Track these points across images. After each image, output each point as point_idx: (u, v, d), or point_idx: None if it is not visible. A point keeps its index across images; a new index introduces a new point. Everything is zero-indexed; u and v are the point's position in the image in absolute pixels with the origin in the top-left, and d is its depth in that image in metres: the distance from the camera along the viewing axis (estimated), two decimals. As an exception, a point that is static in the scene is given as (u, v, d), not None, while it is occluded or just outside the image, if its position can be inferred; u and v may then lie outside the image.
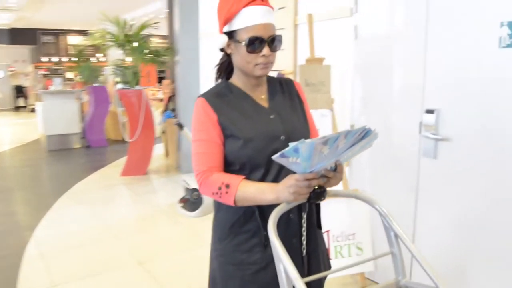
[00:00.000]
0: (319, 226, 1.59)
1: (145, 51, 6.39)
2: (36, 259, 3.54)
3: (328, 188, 1.32)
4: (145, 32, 6.52)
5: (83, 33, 19.41)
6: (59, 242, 3.87)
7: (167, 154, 7.38)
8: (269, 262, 1.44)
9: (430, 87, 2.53)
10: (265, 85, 1.56)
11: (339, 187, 1.57)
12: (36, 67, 18.67)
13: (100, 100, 8.88)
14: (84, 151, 8.60)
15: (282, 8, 3.67)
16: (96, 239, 3.92)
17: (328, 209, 2.60)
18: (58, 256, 3.59)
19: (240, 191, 1.35)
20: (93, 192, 5.50)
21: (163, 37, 11.97)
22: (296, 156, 1.18)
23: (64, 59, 19.39)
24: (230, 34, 1.45)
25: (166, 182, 5.94)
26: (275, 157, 1.19)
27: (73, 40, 19.77)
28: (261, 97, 1.53)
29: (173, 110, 7.05)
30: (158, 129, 7.48)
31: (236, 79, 1.53)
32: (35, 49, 19.38)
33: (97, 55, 18.47)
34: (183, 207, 4.60)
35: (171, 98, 7.43)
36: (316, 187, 1.28)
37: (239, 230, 1.47)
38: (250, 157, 1.41)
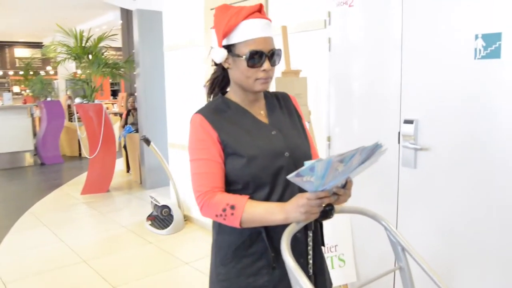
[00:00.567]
0: (323, 243, 1.55)
1: (103, 64, 6.19)
2: (-2, 289, 3.30)
3: None
4: (102, 44, 6.33)
5: (31, 45, 18.72)
6: (22, 269, 3.63)
7: (128, 169, 7.17)
8: (276, 285, 1.39)
9: (407, 98, 2.57)
10: (263, 100, 1.52)
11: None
12: (-21, 82, 17.77)
13: (54, 115, 8.53)
14: (38, 169, 8.21)
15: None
16: (61, 264, 3.70)
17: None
18: (23, 285, 3.35)
19: (246, 212, 1.29)
20: (53, 213, 5.23)
21: (117, 49, 11.71)
22: (311, 175, 1.15)
23: (10, 73, 18.58)
24: (228, 48, 1.40)
25: (130, 199, 5.74)
26: (290, 176, 1.14)
27: (20, 52, 18.98)
28: (260, 112, 1.48)
29: (133, 124, 6.88)
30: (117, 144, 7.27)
31: (233, 94, 1.48)
32: (-22, 63, 18.45)
33: (47, 68, 17.83)
34: (152, 224, 4.45)
35: (130, 112, 7.25)
36: (324, 205, 1.25)
37: (244, 253, 1.41)
38: (254, 176, 1.36)
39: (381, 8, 2.68)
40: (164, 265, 3.64)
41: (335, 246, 2.83)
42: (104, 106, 6.08)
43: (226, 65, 1.43)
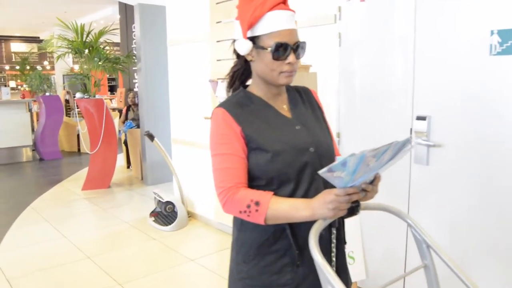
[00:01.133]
0: (344, 241, 1.53)
1: (104, 58, 6.13)
2: (2, 286, 3.25)
3: None
4: (102, 38, 6.27)
5: (27, 39, 18.58)
6: (26, 266, 3.58)
7: (128, 165, 7.12)
8: (300, 283, 1.37)
9: (420, 94, 2.55)
10: (285, 94, 1.49)
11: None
12: (-25, 76, 17.66)
13: (52, 110, 8.45)
14: (37, 164, 8.15)
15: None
16: (65, 261, 3.66)
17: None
18: (29, 282, 3.31)
19: (271, 208, 1.26)
20: (55, 209, 5.18)
21: (115, 44, 11.63)
22: (342, 170, 1.12)
23: (6, 67, 18.46)
24: (252, 40, 1.36)
25: (131, 195, 5.70)
26: (322, 172, 1.12)
27: (17, 47, 18.86)
28: (283, 106, 1.45)
29: (133, 119, 6.83)
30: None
31: (255, 88, 1.44)
32: (-27, 57, 18.31)
33: (44, 63, 17.72)
34: (155, 221, 4.42)
35: (130, 107, 7.20)
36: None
37: (267, 250, 1.38)
38: (279, 172, 1.32)
39: (394, 2, 2.65)
40: (169, 262, 3.61)
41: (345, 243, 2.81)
42: (105, 101, 6.02)
43: (249, 58, 1.39)
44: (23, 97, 9.75)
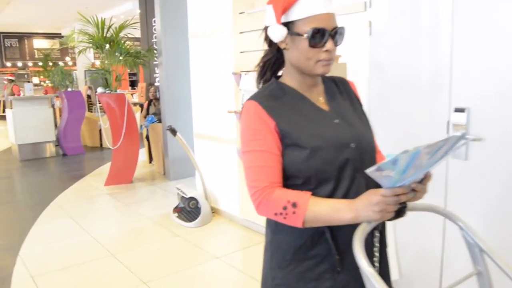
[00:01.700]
0: (386, 243, 1.41)
1: (125, 53, 6.08)
2: (26, 284, 3.22)
3: None
4: (122, 33, 6.22)
5: (49, 36, 18.79)
6: (49, 263, 3.56)
7: (150, 160, 7.09)
8: (341, 290, 1.26)
9: (459, 85, 2.40)
10: (321, 85, 1.37)
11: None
12: (0, 73, 17.95)
13: (75, 105, 8.49)
14: (60, 159, 8.20)
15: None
16: (89, 258, 3.62)
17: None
18: (52, 279, 3.28)
19: (310, 210, 1.15)
20: (78, 204, 5.17)
21: (135, 39, 11.63)
22: (392, 169, 1.01)
23: (29, 64, 18.74)
24: (286, 26, 1.25)
25: (153, 191, 5.66)
26: (370, 171, 1.01)
27: (39, 43, 19.10)
28: (319, 98, 1.33)
29: (155, 114, 6.79)
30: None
31: (289, 79, 1.33)
32: (-2, 54, 18.62)
33: (66, 58, 17.90)
34: (178, 217, 4.35)
35: (152, 102, 7.16)
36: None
37: (305, 256, 1.27)
38: (318, 170, 1.21)
39: (429, -12, 2.49)
40: (194, 259, 3.53)
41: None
42: (126, 96, 5.98)
43: (282, 46, 1.28)
44: (46, 93, 9.82)
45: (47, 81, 14.48)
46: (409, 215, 1.15)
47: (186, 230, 4.12)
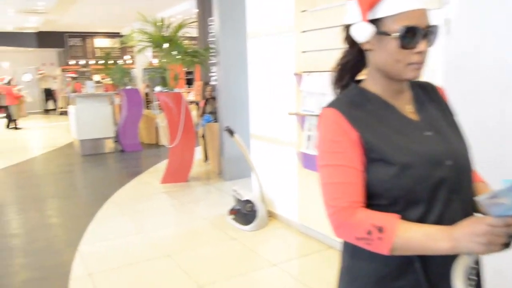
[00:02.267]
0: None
1: (183, 52, 6.09)
2: (84, 281, 3.25)
3: None
4: (180, 32, 6.23)
5: (109, 35, 19.41)
6: (106, 260, 3.58)
7: (205, 159, 7.09)
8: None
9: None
10: (409, 92, 1.21)
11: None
12: (64, 70, 18.76)
13: (133, 103, 8.67)
14: (119, 155, 8.39)
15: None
16: (145, 257, 3.61)
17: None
18: (109, 278, 3.29)
19: (399, 237, 1.00)
20: (135, 202, 5.22)
21: (191, 38, 11.74)
22: (508, 196, 0.85)
23: (91, 62, 19.43)
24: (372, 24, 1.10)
25: (209, 190, 5.63)
26: (482, 198, 0.85)
27: (100, 42, 19.78)
28: (406, 107, 1.17)
29: (211, 113, 6.77)
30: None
31: (372, 84, 1.18)
32: (62, 52, 19.46)
33: (125, 57, 18.42)
34: (234, 219, 4.28)
35: (208, 100, 7.15)
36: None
37: (389, 286, 1.12)
38: (408, 190, 1.06)
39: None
40: (251, 264, 3.44)
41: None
42: (183, 95, 5.99)
43: (367, 46, 1.13)
44: (106, 91, 10.09)
45: (107, 79, 14.97)
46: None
47: (242, 233, 4.04)
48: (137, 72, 14.23)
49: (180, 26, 6.09)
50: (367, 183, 1.10)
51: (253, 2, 4.46)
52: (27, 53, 19.57)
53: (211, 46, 6.68)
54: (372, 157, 1.09)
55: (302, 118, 3.67)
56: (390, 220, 1.03)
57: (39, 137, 12.06)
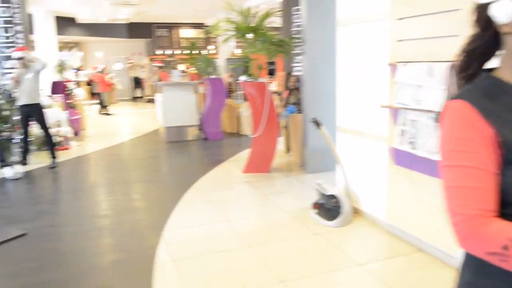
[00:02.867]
0: None
1: (268, 41, 6.02)
2: (168, 266, 3.30)
3: None
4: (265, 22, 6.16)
5: (195, 26, 19.93)
6: (190, 247, 3.62)
7: (287, 150, 7.01)
8: None
9: None
10: None
11: None
12: (151, 60, 19.53)
13: (217, 92, 8.79)
14: (201, 143, 8.57)
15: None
16: (228, 247, 3.61)
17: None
18: (191, 265, 3.32)
19: None
20: (218, 190, 5.28)
21: (274, 29, 11.68)
22: None
23: (177, 52, 20.07)
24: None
25: (291, 182, 5.55)
26: None
27: (185, 33, 20.36)
28: None
29: (295, 104, 6.66)
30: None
31: (508, 73, 1.00)
32: (150, 42, 20.28)
33: (208, 47, 18.82)
34: (318, 213, 4.16)
35: (292, 91, 7.04)
36: None
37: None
38: None
39: None
40: (335, 263, 3.30)
41: None
42: (268, 85, 5.93)
43: (506, 29, 0.96)
44: (192, 80, 10.33)
45: (191, 68, 15.37)
46: None
47: (325, 229, 3.91)
48: (221, 62, 14.47)
49: (267, 15, 6.02)
50: (502, 189, 0.94)
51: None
52: (118, 43, 20.67)
53: (295, 36, 6.56)
54: (509, 159, 0.93)
55: (395, 111, 3.44)
56: (532, 235, 0.86)
57: (127, 123, 12.68)
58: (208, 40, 18.89)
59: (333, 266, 3.24)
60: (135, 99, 20.70)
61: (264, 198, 4.92)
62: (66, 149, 8.08)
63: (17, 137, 7.09)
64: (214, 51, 18.64)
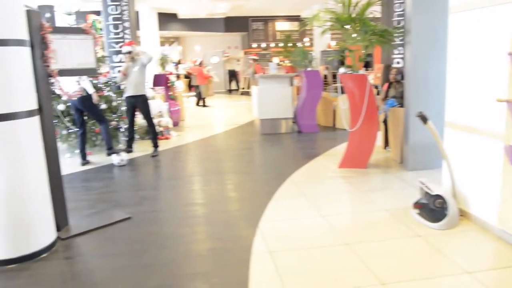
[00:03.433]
0: None
1: (370, 31, 5.77)
2: (265, 258, 3.28)
3: None
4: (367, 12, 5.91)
5: (290, 18, 19.92)
6: (286, 241, 3.58)
7: (385, 146, 6.72)
8: None
9: None
10: None
11: None
12: (246, 53, 19.88)
13: (313, 85, 8.69)
14: (295, 136, 8.52)
15: None
16: (324, 243, 3.52)
17: None
18: (288, 258, 3.28)
19: None
20: (313, 184, 5.19)
21: (374, 19, 11.24)
22: None
23: (271, 45, 20.22)
24: None
25: (389, 179, 5.29)
26: None
27: (281, 26, 20.43)
28: None
29: (395, 97, 6.36)
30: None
31: None
32: (246, 36, 20.65)
33: (304, 39, 18.71)
34: (419, 214, 3.91)
35: (392, 84, 6.73)
36: None
37: None
38: None
39: None
40: (439, 268, 3.07)
41: None
42: (368, 77, 5.70)
43: None
44: (287, 72, 10.32)
45: (286, 61, 15.38)
46: None
47: (427, 231, 3.66)
48: (316, 54, 14.30)
49: (369, 4, 5.77)
50: None
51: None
52: (215, 37, 21.31)
53: (397, 26, 6.23)
54: None
55: (515, 106, 3.11)
56: None
57: (223, 115, 13.01)
58: (303, 33, 18.76)
59: (438, 272, 3.02)
60: (230, 91, 21.22)
61: (360, 195, 4.74)
62: (167, 138, 8.48)
63: (124, 126, 7.57)
64: (309, 44, 18.49)
